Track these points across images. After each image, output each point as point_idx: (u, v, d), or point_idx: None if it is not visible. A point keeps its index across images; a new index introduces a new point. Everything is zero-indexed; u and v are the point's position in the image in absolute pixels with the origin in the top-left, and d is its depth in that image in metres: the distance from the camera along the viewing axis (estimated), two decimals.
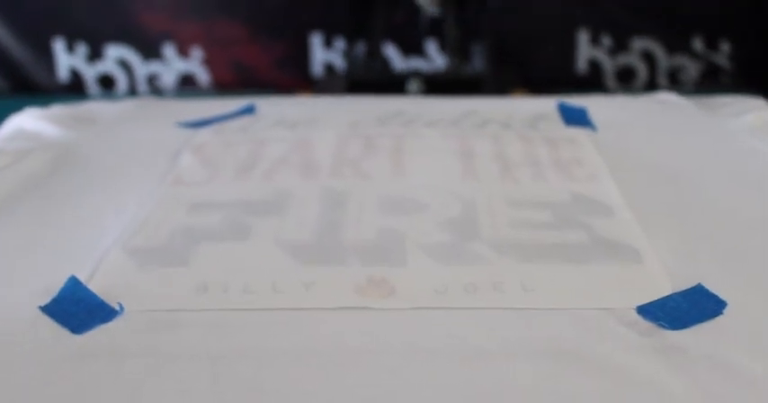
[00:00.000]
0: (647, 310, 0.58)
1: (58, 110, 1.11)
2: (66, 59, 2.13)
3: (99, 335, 0.57)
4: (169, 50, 2.13)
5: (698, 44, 2.11)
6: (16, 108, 1.14)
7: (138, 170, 0.88)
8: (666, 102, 1.13)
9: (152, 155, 0.92)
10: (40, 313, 0.60)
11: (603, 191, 0.78)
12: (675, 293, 0.60)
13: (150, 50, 2.13)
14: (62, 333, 0.58)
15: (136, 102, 1.16)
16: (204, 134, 0.98)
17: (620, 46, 2.12)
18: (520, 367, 0.54)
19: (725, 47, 2.12)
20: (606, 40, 2.12)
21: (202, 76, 2.16)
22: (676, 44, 2.12)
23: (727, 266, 0.65)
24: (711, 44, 2.12)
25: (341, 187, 0.80)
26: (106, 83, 2.16)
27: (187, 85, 2.16)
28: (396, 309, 0.61)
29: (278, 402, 0.51)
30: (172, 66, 2.15)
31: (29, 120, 1.05)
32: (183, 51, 2.13)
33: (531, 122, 0.99)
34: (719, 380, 0.51)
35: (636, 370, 0.52)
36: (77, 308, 0.59)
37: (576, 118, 0.99)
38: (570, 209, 0.75)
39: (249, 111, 1.07)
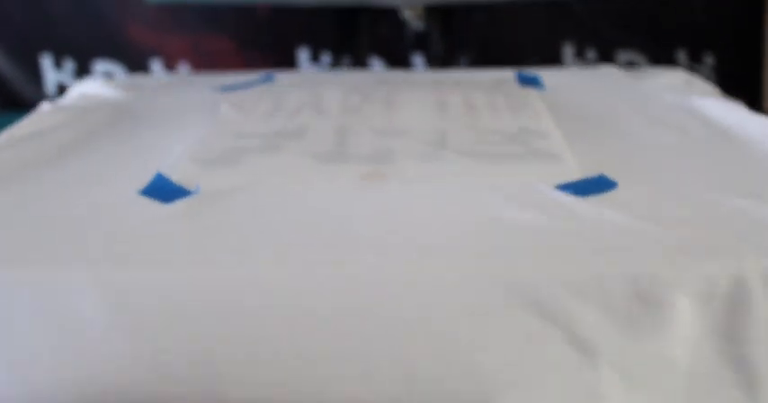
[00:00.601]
0: (562, 187, 0.93)
1: (111, 81, 1.53)
2: (54, 75, 2.40)
3: (180, 204, 0.92)
4: (156, 65, 2.39)
5: (682, 57, 2.41)
6: (4, 123, 1.36)
7: (187, 117, 1.26)
8: (607, 72, 1.59)
9: (196, 108, 1.30)
10: (138, 196, 0.94)
11: (544, 125, 1.16)
12: (584, 178, 0.96)
13: (137, 65, 2.38)
14: (155, 204, 0.92)
15: (173, 76, 1.66)
16: (236, 94, 1.36)
17: (604, 59, 2.37)
18: (472, 220, 0.86)
19: (708, 59, 2.41)
20: (591, 53, 2.39)
21: None
22: (660, 57, 2.37)
23: (625, 168, 1.00)
24: (695, 57, 2.41)
25: (346, 122, 1.18)
26: None
27: None
28: (387, 189, 0.94)
29: (300, 251, 0.80)
30: None
31: (89, 86, 1.47)
32: (170, 66, 2.39)
33: (494, 84, 1.39)
34: (602, 227, 0.84)
35: (546, 222, 0.85)
36: (165, 191, 0.94)
37: (530, 82, 1.42)
38: (516, 134, 1.12)
39: (269, 79, 1.48)
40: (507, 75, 1.48)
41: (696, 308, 0.72)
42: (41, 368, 0.72)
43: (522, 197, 0.88)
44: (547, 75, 1.48)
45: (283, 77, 1.51)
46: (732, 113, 1.18)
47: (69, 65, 2.42)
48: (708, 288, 0.72)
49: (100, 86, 1.45)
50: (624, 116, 1.22)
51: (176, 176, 0.97)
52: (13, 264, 0.75)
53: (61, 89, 2.42)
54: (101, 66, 2.41)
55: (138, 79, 1.57)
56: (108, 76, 2.39)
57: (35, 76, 2.43)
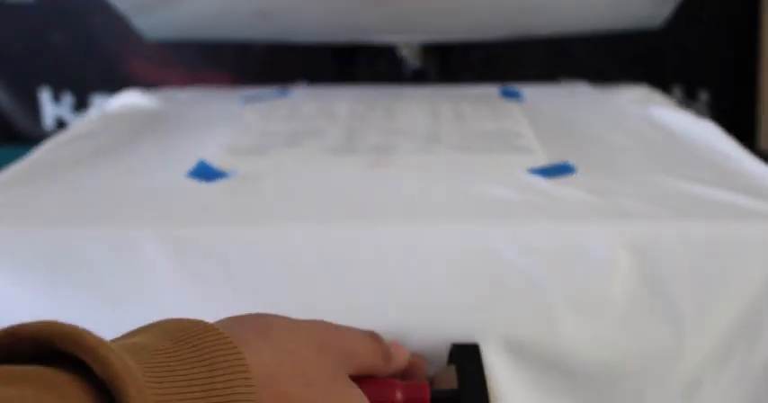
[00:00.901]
0: (532, 171, 1.20)
1: (146, 93, 1.87)
2: (52, 109, 2.58)
3: (220, 183, 1.19)
4: None
5: (677, 93, 2.59)
6: (2, 157, 1.52)
7: (217, 121, 1.59)
8: (580, 88, 1.96)
9: (224, 114, 1.64)
10: (185, 178, 1.21)
11: (520, 127, 1.48)
12: (549, 164, 1.23)
13: None
14: (200, 184, 1.19)
15: (198, 89, 2.03)
16: (257, 104, 1.71)
17: None
18: (458, 196, 1.13)
19: (703, 96, 2.61)
20: None
21: None
22: None
23: (585, 159, 1.29)
24: (690, 93, 2.61)
25: (354, 125, 1.48)
26: None
27: None
28: (390, 173, 1.23)
29: (318, 216, 1.08)
30: None
31: (128, 97, 1.82)
32: None
33: (479, 97, 1.75)
34: (560, 200, 1.11)
35: (517, 196, 1.12)
36: (207, 173, 1.21)
37: (511, 95, 1.78)
38: (496, 134, 1.43)
39: (284, 93, 1.84)
40: (492, 90, 1.90)
41: (631, 258, 1.00)
42: (120, 302, 1.00)
43: (500, 179, 1.21)
44: (526, 89, 1.88)
45: (297, 91, 1.91)
46: (681, 119, 1.56)
47: (68, 98, 2.60)
48: (639, 242, 1.01)
49: (139, 97, 1.84)
50: (590, 122, 1.59)
51: (216, 163, 1.30)
52: (97, 224, 1.07)
53: (60, 123, 2.60)
54: (100, 100, 2.57)
55: (167, 93, 1.95)
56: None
57: (33, 109, 2.61)
